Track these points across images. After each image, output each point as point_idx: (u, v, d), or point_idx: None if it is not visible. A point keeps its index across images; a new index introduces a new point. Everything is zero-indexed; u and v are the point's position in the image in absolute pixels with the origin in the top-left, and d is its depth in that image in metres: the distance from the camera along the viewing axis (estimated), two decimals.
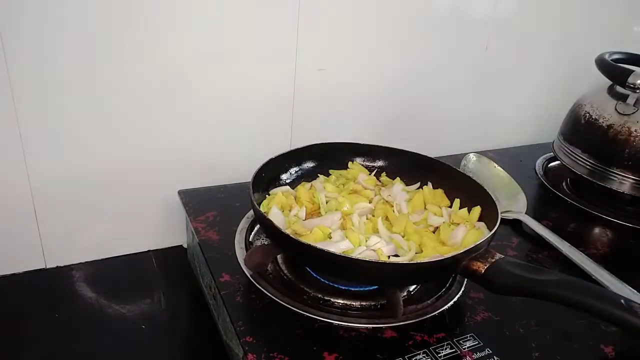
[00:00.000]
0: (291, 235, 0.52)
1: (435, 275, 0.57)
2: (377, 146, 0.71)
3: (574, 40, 0.98)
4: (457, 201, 0.66)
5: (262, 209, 0.60)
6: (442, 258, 0.52)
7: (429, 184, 0.69)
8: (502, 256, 0.52)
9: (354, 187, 0.65)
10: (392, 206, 0.62)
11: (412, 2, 0.78)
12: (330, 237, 0.56)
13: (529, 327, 0.55)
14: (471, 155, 0.87)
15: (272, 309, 0.53)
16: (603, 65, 0.82)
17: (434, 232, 0.60)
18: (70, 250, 0.70)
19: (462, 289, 0.58)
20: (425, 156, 0.69)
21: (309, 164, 0.69)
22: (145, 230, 0.74)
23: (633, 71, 0.77)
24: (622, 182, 0.79)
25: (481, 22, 0.86)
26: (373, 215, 0.61)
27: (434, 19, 0.82)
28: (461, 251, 0.51)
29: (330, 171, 0.70)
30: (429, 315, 0.54)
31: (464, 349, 0.51)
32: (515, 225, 0.73)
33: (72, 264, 0.71)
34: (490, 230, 0.56)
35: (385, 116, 0.86)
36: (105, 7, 0.59)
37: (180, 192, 0.71)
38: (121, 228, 0.72)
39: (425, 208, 0.64)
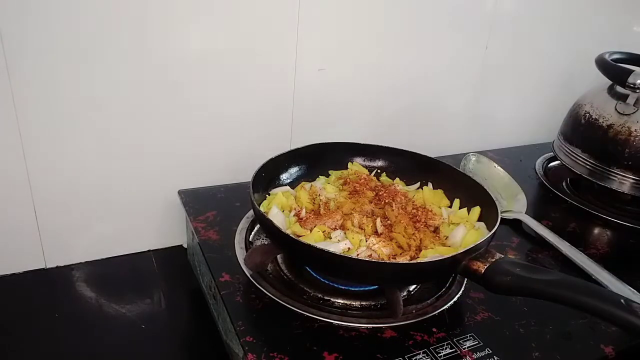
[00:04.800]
0: (291, 235, 0.52)
1: (435, 275, 0.57)
2: (377, 146, 0.71)
3: (574, 40, 0.98)
4: (457, 201, 0.66)
5: (262, 209, 0.60)
6: (442, 258, 0.52)
7: (429, 184, 0.69)
8: (502, 256, 0.52)
9: (354, 187, 0.65)
10: (392, 206, 0.62)
11: (412, 2, 0.78)
12: (330, 237, 0.56)
13: (529, 327, 0.55)
14: (471, 155, 0.87)
15: (272, 308, 0.53)
16: (603, 65, 0.82)
17: (434, 232, 0.60)
18: (70, 250, 0.70)
19: (462, 289, 0.58)
20: (425, 156, 0.69)
21: (309, 164, 0.69)
22: (145, 230, 0.74)
23: (633, 71, 0.77)
24: (622, 182, 0.79)
25: (481, 22, 0.86)
26: (373, 215, 0.61)
27: (434, 19, 0.82)
28: (461, 251, 0.51)
29: (330, 171, 0.70)
30: (429, 315, 0.54)
31: (464, 348, 0.51)
32: (515, 225, 0.73)
33: (72, 264, 0.71)
34: (490, 230, 0.56)
35: (385, 116, 0.86)
36: (106, 9, 0.59)
37: (180, 192, 0.71)
38: (121, 228, 0.72)
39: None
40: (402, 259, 0.54)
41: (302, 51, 0.73)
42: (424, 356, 0.49)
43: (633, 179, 0.78)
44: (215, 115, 0.71)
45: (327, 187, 0.66)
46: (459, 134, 0.96)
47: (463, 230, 0.59)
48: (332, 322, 0.52)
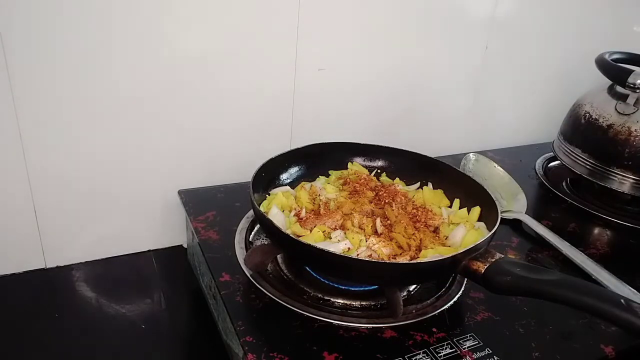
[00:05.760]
0: (291, 235, 0.52)
1: (435, 275, 0.57)
2: (377, 146, 0.71)
3: (574, 40, 0.98)
4: (457, 201, 0.66)
5: (262, 209, 0.60)
6: (442, 258, 0.52)
7: (429, 184, 0.69)
8: (502, 256, 0.52)
9: (354, 187, 0.65)
10: (392, 206, 0.62)
11: (412, 2, 0.78)
12: (330, 237, 0.56)
13: (529, 327, 0.55)
14: (471, 155, 0.87)
15: (272, 309, 0.53)
16: (603, 65, 0.82)
17: (434, 232, 0.60)
18: (70, 250, 0.70)
19: (462, 289, 0.58)
20: (425, 156, 0.69)
21: (309, 164, 0.69)
22: (145, 230, 0.74)
23: (633, 71, 0.77)
24: (622, 182, 0.79)
25: (481, 22, 0.86)
26: (373, 215, 0.61)
27: (434, 19, 0.82)
28: (461, 251, 0.51)
29: (330, 171, 0.70)
30: (429, 315, 0.54)
31: (464, 348, 0.51)
32: (515, 225, 0.73)
33: (72, 264, 0.71)
34: (490, 230, 0.56)
35: (385, 116, 0.86)
36: (106, 7, 0.59)
37: (180, 192, 0.71)
38: (121, 228, 0.72)
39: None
40: (402, 259, 0.54)
41: (302, 51, 0.73)
42: (424, 356, 0.49)
43: (633, 179, 0.78)
44: (215, 115, 0.71)
45: (327, 187, 0.66)
46: (459, 134, 0.96)
47: (463, 230, 0.59)
48: (332, 322, 0.52)
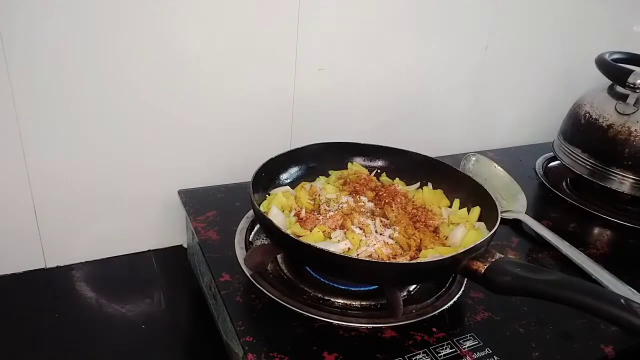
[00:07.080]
0: (291, 235, 0.52)
1: (435, 275, 0.57)
2: (377, 146, 0.71)
3: (574, 40, 0.98)
4: (457, 201, 0.66)
5: (262, 209, 0.60)
6: (442, 258, 0.52)
7: (429, 184, 0.69)
8: (502, 256, 0.52)
9: (354, 187, 0.65)
10: (392, 206, 0.62)
11: (412, 2, 0.78)
12: (330, 237, 0.56)
13: (529, 327, 0.55)
14: (471, 155, 0.87)
15: (272, 309, 0.53)
16: (603, 65, 0.82)
17: (433, 232, 0.60)
18: (70, 250, 0.70)
19: (462, 289, 0.58)
20: (425, 156, 0.69)
21: (309, 164, 0.69)
22: (145, 230, 0.74)
23: (633, 71, 0.77)
24: (622, 182, 0.79)
25: (481, 22, 0.86)
26: (373, 215, 0.61)
27: (434, 18, 0.82)
28: (461, 251, 0.51)
29: (330, 171, 0.70)
30: (429, 315, 0.54)
31: (464, 348, 0.51)
32: (515, 225, 0.73)
33: (72, 264, 0.71)
34: (490, 230, 0.56)
35: (385, 116, 0.86)
36: (106, 8, 0.59)
37: (180, 192, 0.71)
38: (121, 228, 0.72)
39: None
40: (402, 259, 0.54)
41: (302, 51, 0.73)
42: (424, 356, 0.49)
43: (633, 179, 0.78)
44: (215, 115, 0.71)
45: (327, 187, 0.66)
46: (459, 134, 0.96)
47: (463, 230, 0.59)
48: (332, 322, 0.52)
